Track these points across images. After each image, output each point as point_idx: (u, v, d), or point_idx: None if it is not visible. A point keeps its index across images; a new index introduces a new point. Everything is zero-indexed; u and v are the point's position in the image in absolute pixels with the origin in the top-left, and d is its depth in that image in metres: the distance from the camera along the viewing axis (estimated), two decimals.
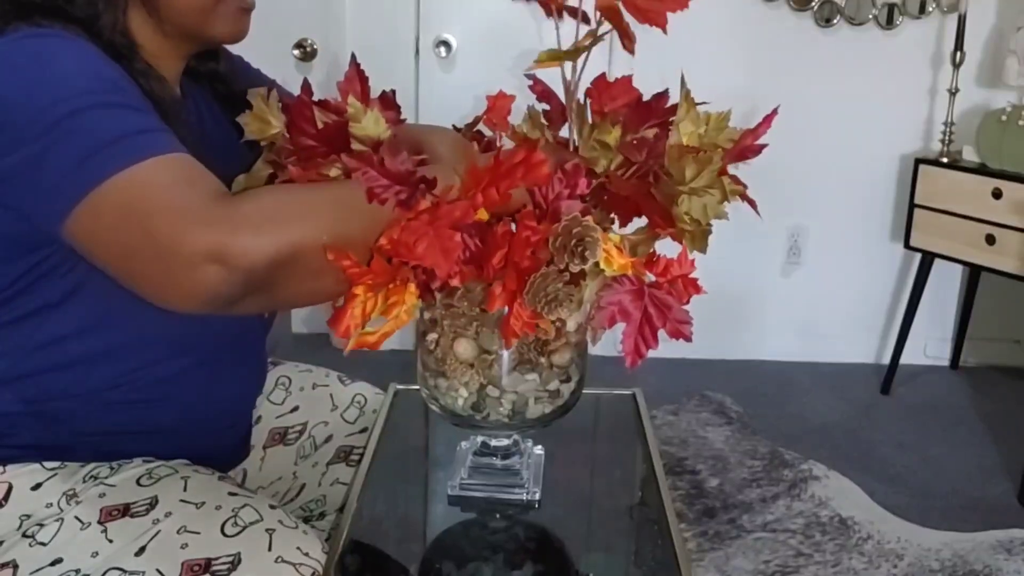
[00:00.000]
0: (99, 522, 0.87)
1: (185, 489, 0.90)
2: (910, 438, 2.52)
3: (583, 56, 0.84)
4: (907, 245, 2.66)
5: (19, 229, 0.82)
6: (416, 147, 0.85)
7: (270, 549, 0.85)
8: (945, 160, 2.55)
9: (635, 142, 0.87)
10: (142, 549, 0.84)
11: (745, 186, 0.87)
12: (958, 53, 2.54)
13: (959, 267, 2.78)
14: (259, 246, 0.70)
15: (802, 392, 2.78)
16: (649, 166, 0.85)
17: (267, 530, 0.87)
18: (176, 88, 0.98)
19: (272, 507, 0.90)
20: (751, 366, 2.94)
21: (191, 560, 0.83)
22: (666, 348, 0.86)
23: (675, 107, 0.89)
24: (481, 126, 0.95)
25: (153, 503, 0.88)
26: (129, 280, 0.75)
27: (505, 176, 0.77)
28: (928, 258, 2.66)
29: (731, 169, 0.85)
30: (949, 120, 2.57)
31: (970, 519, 2.12)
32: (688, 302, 0.84)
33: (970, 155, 2.54)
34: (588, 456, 1.19)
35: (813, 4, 2.69)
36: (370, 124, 0.83)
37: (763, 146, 0.86)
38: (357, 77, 0.85)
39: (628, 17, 0.80)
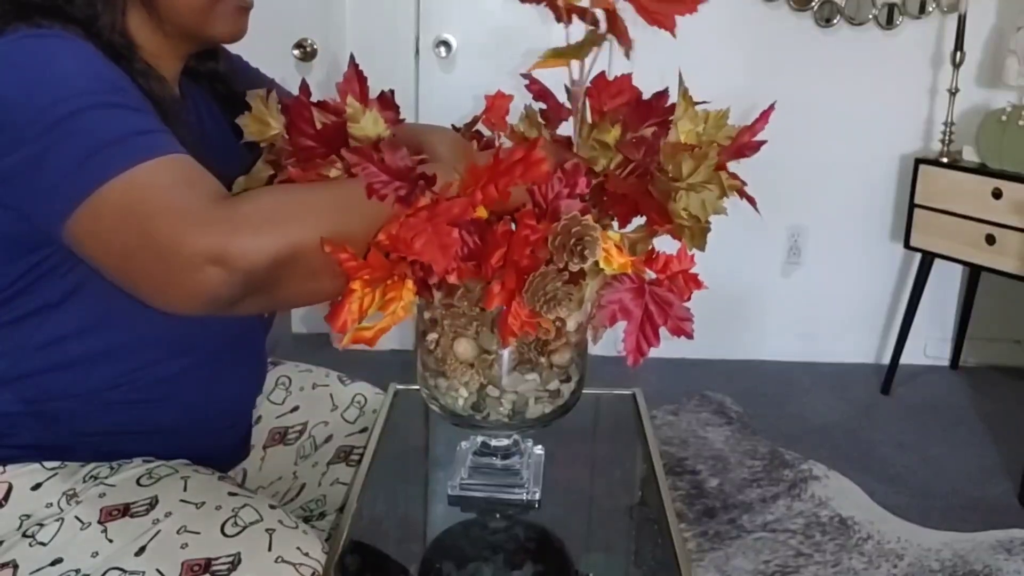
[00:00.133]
0: (99, 522, 0.87)
1: (185, 489, 0.90)
2: (910, 438, 2.52)
3: (590, 54, 0.83)
4: (907, 245, 2.66)
5: (19, 229, 0.82)
6: (415, 146, 0.84)
7: (270, 549, 0.85)
8: (945, 160, 2.55)
9: (634, 141, 0.87)
10: (142, 549, 0.84)
11: (744, 182, 0.87)
12: (958, 53, 2.54)
13: (959, 267, 2.78)
14: (259, 247, 0.70)
15: (802, 392, 2.78)
16: (646, 164, 0.85)
17: (267, 530, 0.87)
18: (175, 88, 0.98)
19: (272, 507, 0.90)
20: (751, 366, 2.93)
21: (191, 560, 0.83)
22: (666, 348, 0.86)
23: (675, 106, 0.88)
24: (480, 126, 0.95)
25: (153, 503, 0.88)
26: (129, 282, 0.75)
27: (504, 174, 0.77)
28: (928, 258, 2.66)
29: (731, 167, 0.85)
30: (949, 120, 2.57)
31: (970, 519, 2.12)
32: (689, 298, 0.83)
33: (970, 155, 2.54)
34: (588, 456, 1.19)
35: (813, 4, 2.69)
36: (369, 124, 0.83)
37: (761, 142, 0.85)
38: (356, 77, 0.85)
39: (632, 18, 0.79)
